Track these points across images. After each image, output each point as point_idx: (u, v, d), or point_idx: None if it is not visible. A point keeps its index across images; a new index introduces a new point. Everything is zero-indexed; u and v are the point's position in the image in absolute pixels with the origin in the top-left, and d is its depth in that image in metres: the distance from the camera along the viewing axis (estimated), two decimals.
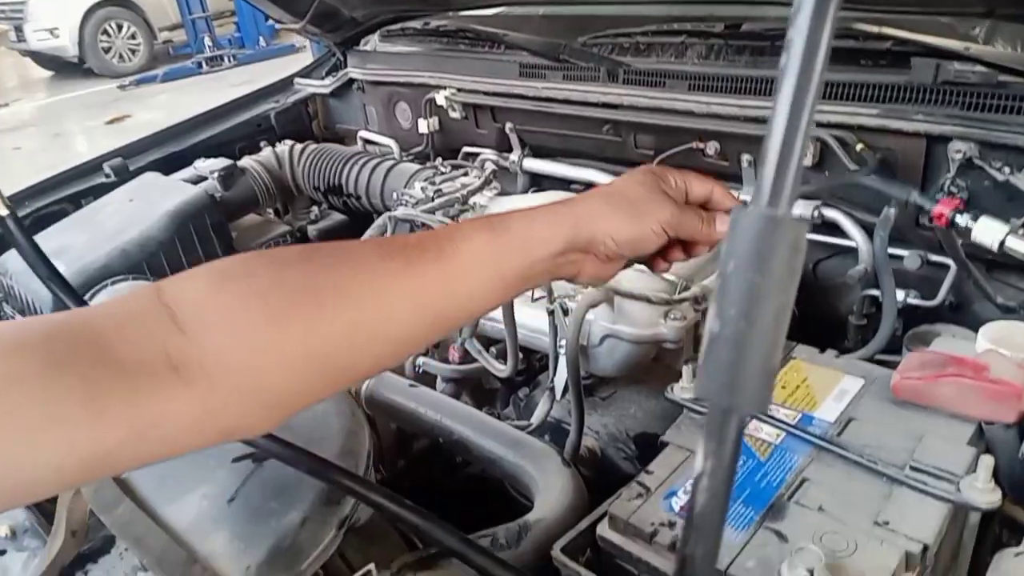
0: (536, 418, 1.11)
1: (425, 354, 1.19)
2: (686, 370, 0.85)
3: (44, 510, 0.87)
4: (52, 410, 0.43)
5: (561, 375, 1.11)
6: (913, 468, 0.70)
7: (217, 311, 0.49)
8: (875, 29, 1.23)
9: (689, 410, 0.84)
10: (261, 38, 9.27)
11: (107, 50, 9.16)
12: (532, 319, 1.16)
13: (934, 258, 1.20)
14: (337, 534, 0.73)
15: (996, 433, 0.75)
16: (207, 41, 8.99)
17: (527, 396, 1.24)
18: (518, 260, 0.60)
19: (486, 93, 1.63)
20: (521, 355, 1.24)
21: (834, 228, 1.28)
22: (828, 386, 0.85)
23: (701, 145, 1.38)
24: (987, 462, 0.66)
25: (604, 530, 0.73)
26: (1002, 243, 1.00)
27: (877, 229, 1.10)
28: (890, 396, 0.80)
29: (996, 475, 0.74)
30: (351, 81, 1.97)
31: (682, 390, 0.85)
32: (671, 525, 0.69)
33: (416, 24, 1.88)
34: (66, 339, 0.45)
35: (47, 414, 0.43)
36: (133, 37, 9.35)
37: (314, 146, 1.76)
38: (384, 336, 0.55)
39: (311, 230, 1.72)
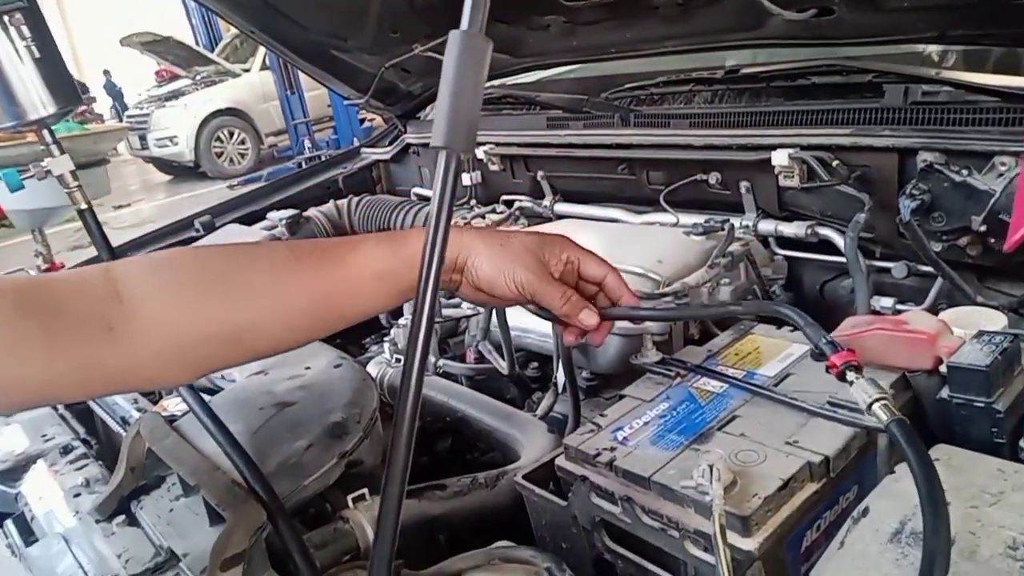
0: (540, 411, 1.23)
1: (444, 355, 1.34)
2: (647, 339, 0.97)
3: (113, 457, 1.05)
4: (16, 346, 0.58)
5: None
6: (830, 403, 0.79)
7: (149, 290, 0.65)
8: (856, 65, 1.37)
9: (650, 372, 0.95)
10: (355, 139, 10.01)
11: (219, 155, 10.15)
12: (542, 325, 1.30)
13: (924, 268, 1.27)
14: (338, 462, 0.87)
15: (919, 380, 0.83)
16: (307, 144, 9.82)
17: (539, 398, 1.36)
18: (409, 274, 0.70)
19: (519, 145, 1.82)
20: (536, 363, 1.37)
21: (831, 247, 1.37)
22: (776, 352, 0.94)
23: (704, 176, 1.52)
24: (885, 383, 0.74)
25: (560, 460, 0.84)
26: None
27: (848, 231, 1.20)
28: None
29: (924, 420, 0.82)
30: (408, 146, 2.22)
31: (642, 355, 0.97)
32: (612, 449, 0.80)
33: None
34: (32, 295, 0.61)
35: (12, 349, 0.58)
36: (243, 143, 10.33)
37: (369, 197, 1.99)
38: (285, 324, 0.69)
39: None
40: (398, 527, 0.55)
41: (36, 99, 0.88)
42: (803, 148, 1.32)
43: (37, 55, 0.83)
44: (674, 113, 1.56)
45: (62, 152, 0.95)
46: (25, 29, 0.79)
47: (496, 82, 2.10)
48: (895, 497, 0.65)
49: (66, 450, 1.16)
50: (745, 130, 1.41)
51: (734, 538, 0.67)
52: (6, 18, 0.78)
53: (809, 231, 1.37)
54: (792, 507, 0.70)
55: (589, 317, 0.80)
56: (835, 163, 1.27)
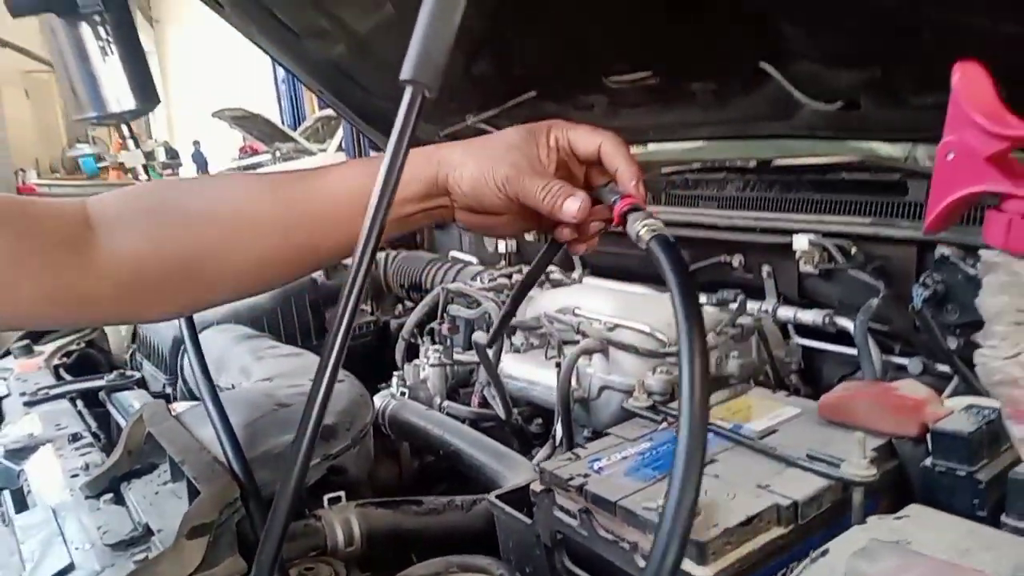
0: (536, 461, 1.22)
1: (451, 399, 1.36)
2: (638, 383, 0.98)
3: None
4: None
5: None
6: (809, 456, 0.78)
7: (116, 217, 0.66)
8: (885, 163, 1.40)
9: (638, 416, 0.96)
10: None
11: None
12: (550, 378, 1.31)
13: (941, 368, 1.25)
14: (321, 463, 0.89)
15: (904, 448, 0.81)
16: None
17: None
18: None
19: None
20: (541, 419, 1.38)
21: (851, 340, 1.36)
22: (767, 411, 0.94)
23: (728, 259, 1.54)
24: (860, 438, 0.73)
25: (534, 484, 0.84)
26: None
27: (859, 314, 1.20)
28: (818, 420, 0.89)
29: (908, 486, 0.80)
30: None
31: (634, 400, 0.97)
32: (585, 476, 0.80)
33: None
34: (7, 211, 0.61)
35: None
36: None
37: (405, 252, 2.07)
38: (247, 253, 0.65)
39: (393, 323, 1.97)
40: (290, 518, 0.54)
41: (119, 94, 0.96)
42: (825, 235, 1.34)
43: (121, 54, 0.93)
44: (704, 195, 1.60)
45: (137, 147, 1.04)
46: (102, 30, 0.89)
47: None
48: (858, 543, 0.64)
49: (74, 438, 1.20)
50: (770, 214, 1.45)
51: (689, 564, 0.66)
52: (95, 18, 0.88)
53: (827, 320, 1.37)
54: (755, 545, 0.69)
55: (571, 204, 0.65)
56: (854, 251, 1.28)
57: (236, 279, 0.68)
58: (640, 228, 0.63)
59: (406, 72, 0.51)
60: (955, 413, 0.78)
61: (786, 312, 1.43)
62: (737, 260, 1.52)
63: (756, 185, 1.60)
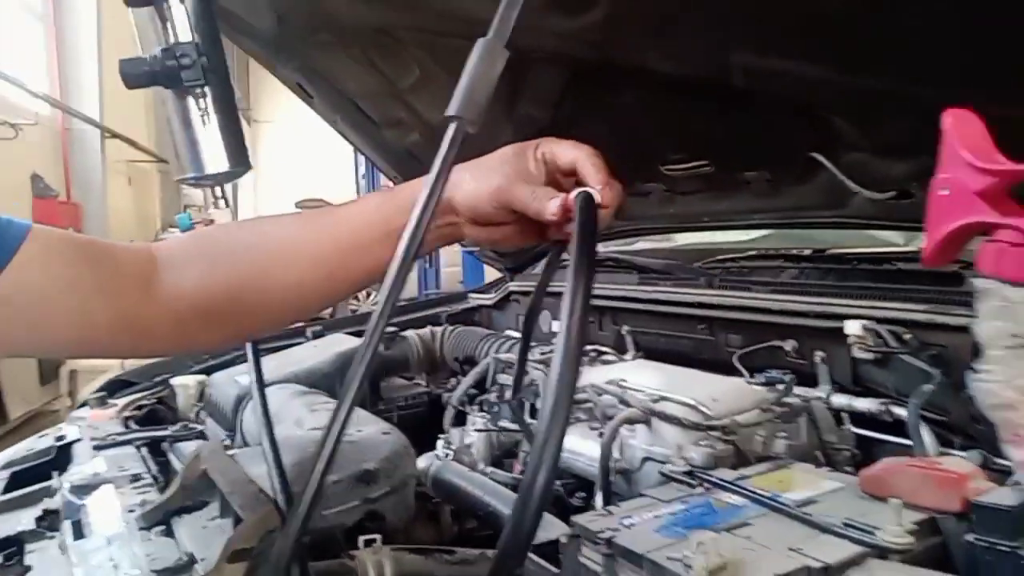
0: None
1: (495, 466, 1.37)
2: (675, 449, 0.98)
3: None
4: (71, 286, 0.68)
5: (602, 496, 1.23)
6: (846, 524, 0.77)
7: (176, 258, 0.76)
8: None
9: (675, 480, 0.95)
10: None
11: (354, 311, 10.87)
12: (594, 449, 1.31)
13: (1000, 461, 1.20)
14: (360, 505, 0.92)
15: (947, 524, 0.79)
16: None
17: None
18: (400, 219, 0.64)
19: (609, 298, 1.92)
20: (585, 494, 1.37)
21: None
22: (809, 483, 0.92)
23: (781, 343, 1.54)
24: (896, 505, 0.72)
25: (563, 537, 0.84)
26: None
27: (911, 397, 1.17)
28: (859, 493, 0.87)
29: (951, 563, 0.78)
30: (510, 294, 2.37)
31: (671, 466, 0.97)
32: (615, 530, 0.80)
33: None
34: (90, 246, 0.74)
35: (68, 288, 0.68)
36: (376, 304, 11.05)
37: (461, 328, 2.12)
38: (286, 283, 0.74)
39: (445, 396, 2.01)
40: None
41: (215, 157, 1.08)
42: (879, 321, 1.34)
43: (219, 122, 1.04)
44: (758, 280, 1.62)
45: (227, 205, 1.14)
46: (203, 101, 1.01)
47: (600, 248, 2.25)
48: None
49: (135, 478, 1.26)
50: (822, 299, 1.45)
51: None
52: (197, 90, 1.00)
53: (883, 408, 1.34)
54: None
55: (552, 203, 0.70)
56: (908, 336, 1.27)
57: (275, 307, 0.76)
58: (575, 193, 0.69)
59: (452, 108, 0.58)
60: (999, 488, 0.76)
61: (840, 400, 1.40)
62: (790, 345, 1.52)
63: (811, 273, 1.61)
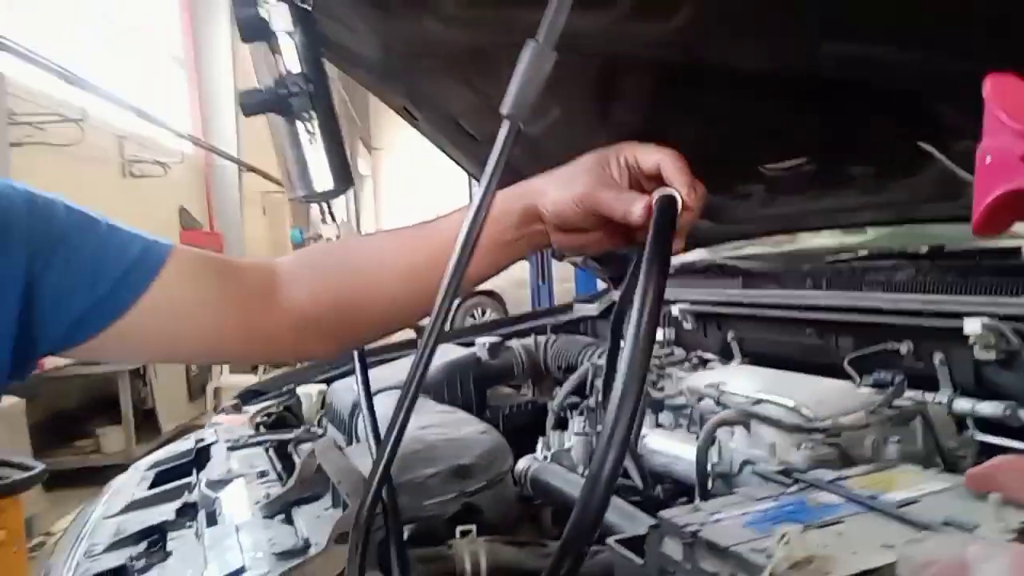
0: None
1: None
2: (769, 449, 0.96)
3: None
4: (205, 300, 0.77)
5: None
6: (945, 523, 0.74)
7: (294, 272, 0.84)
8: None
9: (769, 479, 0.94)
10: None
11: None
12: (693, 453, 1.30)
13: None
14: (456, 497, 0.96)
15: None
16: None
17: None
18: (489, 229, 0.68)
19: (713, 303, 1.90)
20: (685, 499, 1.36)
21: None
22: (912, 484, 0.88)
23: (896, 346, 1.46)
24: (995, 499, 0.69)
25: (651, 531, 0.85)
26: None
27: None
28: (966, 493, 0.83)
29: None
30: (613, 304, 2.37)
31: (766, 464, 0.96)
32: (702, 524, 0.80)
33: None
34: (219, 262, 0.82)
35: (202, 302, 0.77)
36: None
37: (565, 336, 2.15)
38: (382, 297, 0.80)
39: (550, 404, 2.04)
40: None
41: (320, 177, 1.17)
42: (1001, 319, 1.25)
43: (324, 144, 1.13)
44: (871, 280, 1.55)
45: (334, 221, 1.25)
46: (309, 125, 1.10)
47: (700, 252, 2.22)
48: None
49: (262, 475, 1.37)
50: (938, 295, 1.37)
51: None
52: (304, 115, 1.10)
53: (1008, 412, 1.26)
54: None
55: (638, 205, 0.70)
56: None
57: (376, 318, 0.83)
58: (657, 194, 0.70)
59: (505, 107, 0.62)
60: None
61: (963, 404, 1.32)
62: (905, 347, 1.44)
63: (930, 272, 1.53)
